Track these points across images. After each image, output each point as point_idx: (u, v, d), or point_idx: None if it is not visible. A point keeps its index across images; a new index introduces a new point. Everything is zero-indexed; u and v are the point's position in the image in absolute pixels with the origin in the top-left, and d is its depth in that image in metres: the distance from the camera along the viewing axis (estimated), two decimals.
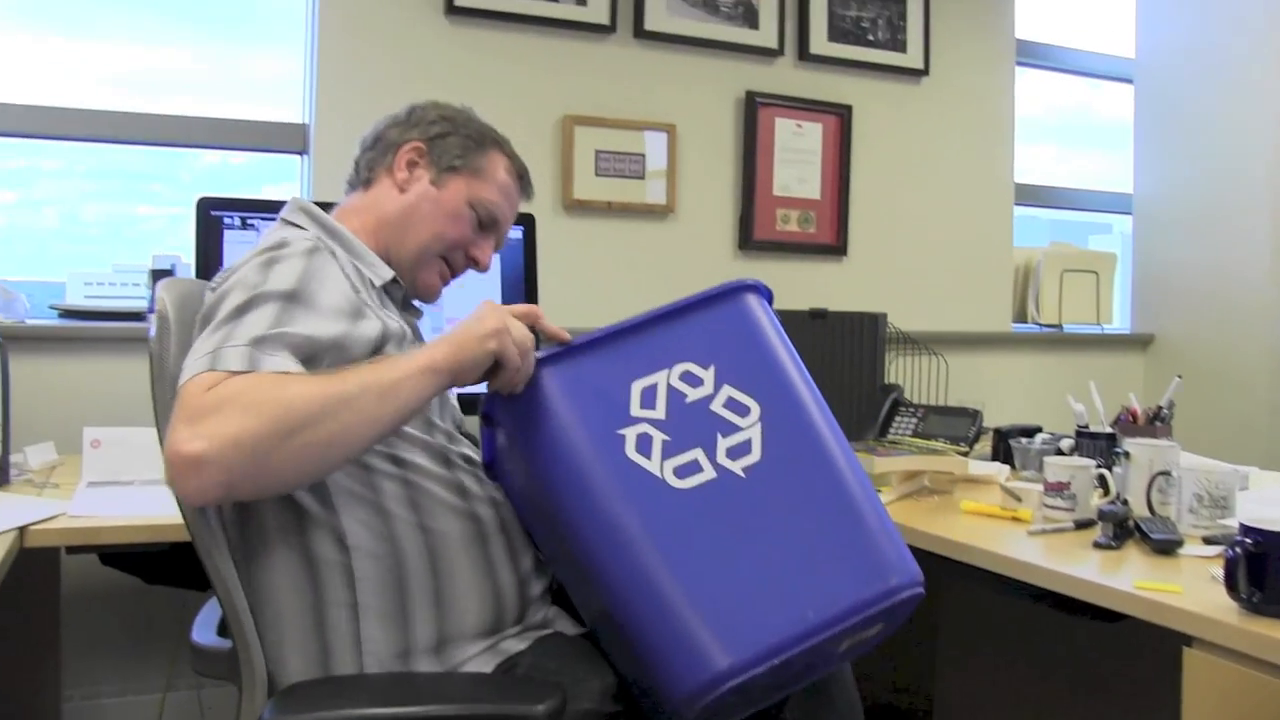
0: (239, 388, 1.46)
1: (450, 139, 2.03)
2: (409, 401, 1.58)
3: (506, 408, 1.67)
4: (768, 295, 1.82)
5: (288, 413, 1.46)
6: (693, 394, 1.66)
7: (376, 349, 1.70)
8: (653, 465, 1.60)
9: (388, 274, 1.93)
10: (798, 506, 1.64)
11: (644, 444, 1.61)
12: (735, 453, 1.64)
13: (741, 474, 1.63)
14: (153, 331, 1.74)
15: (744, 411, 1.67)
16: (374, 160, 2.05)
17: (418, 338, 2.00)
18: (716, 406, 1.67)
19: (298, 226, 1.91)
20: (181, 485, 1.44)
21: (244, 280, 1.66)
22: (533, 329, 1.70)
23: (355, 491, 1.73)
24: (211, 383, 1.46)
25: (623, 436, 1.61)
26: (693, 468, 1.62)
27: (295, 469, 1.52)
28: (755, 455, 1.64)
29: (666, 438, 1.62)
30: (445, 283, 2.05)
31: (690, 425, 1.64)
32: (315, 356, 1.60)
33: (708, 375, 1.68)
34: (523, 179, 2.12)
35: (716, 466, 1.62)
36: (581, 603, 1.85)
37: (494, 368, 1.65)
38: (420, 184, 2.00)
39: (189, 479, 1.41)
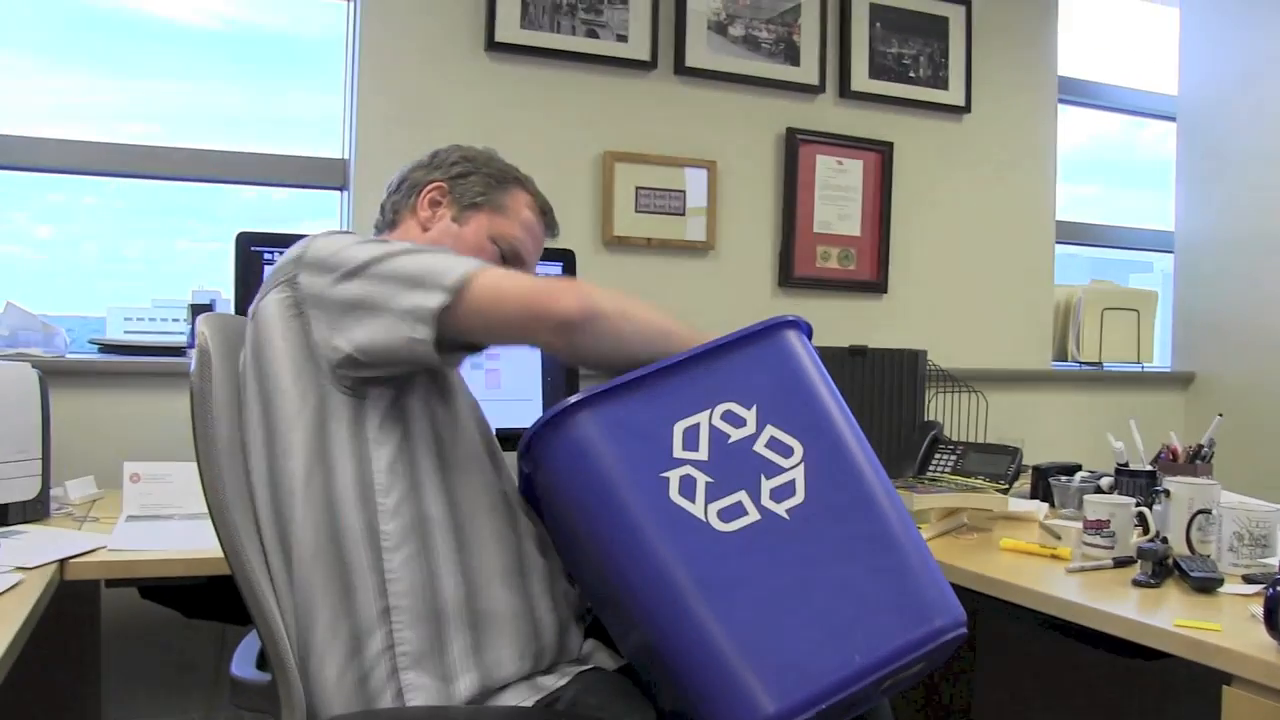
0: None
1: (472, 178, 2.07)
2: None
3: (547, 446, 1.66)
4: (808, 331, 1.80)
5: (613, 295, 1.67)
6: (735, 434, 1.64)
7: None
8: (697, 509, 1.58)
9: None
10: (841, 548, 1.62)
11: (687, 487, 1.59)
12: (779, 494, 1.62)
13: (785, 516, 1.61)
14: (193, 366, 1.74)
15: (787, 452, 1.65)
16: (399, 203, 2.10)
17: None
18: (760, 447, 1.64)
19: None
20: (564, 305, 1.61)
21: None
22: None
23: (399, 494, 1.74)
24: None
25: (666, 479, 1.59)
26: (737, 510, 1.59)
27: (630, 336, 1.68)
28: (799, 497, 1.62)
29: (710, 480, 1.60)
30: None
31: (733, 467, 1.62)
32: None
33: (750, 415, 1.66)
34: (546, 215, 2.15)
35: (760, 509, 1.60)
36: (620, 636, 1.84)
37: None
38: (443, 222, 2.04)
39: (569, 298, 1.62)
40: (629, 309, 1.67)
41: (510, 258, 2.05)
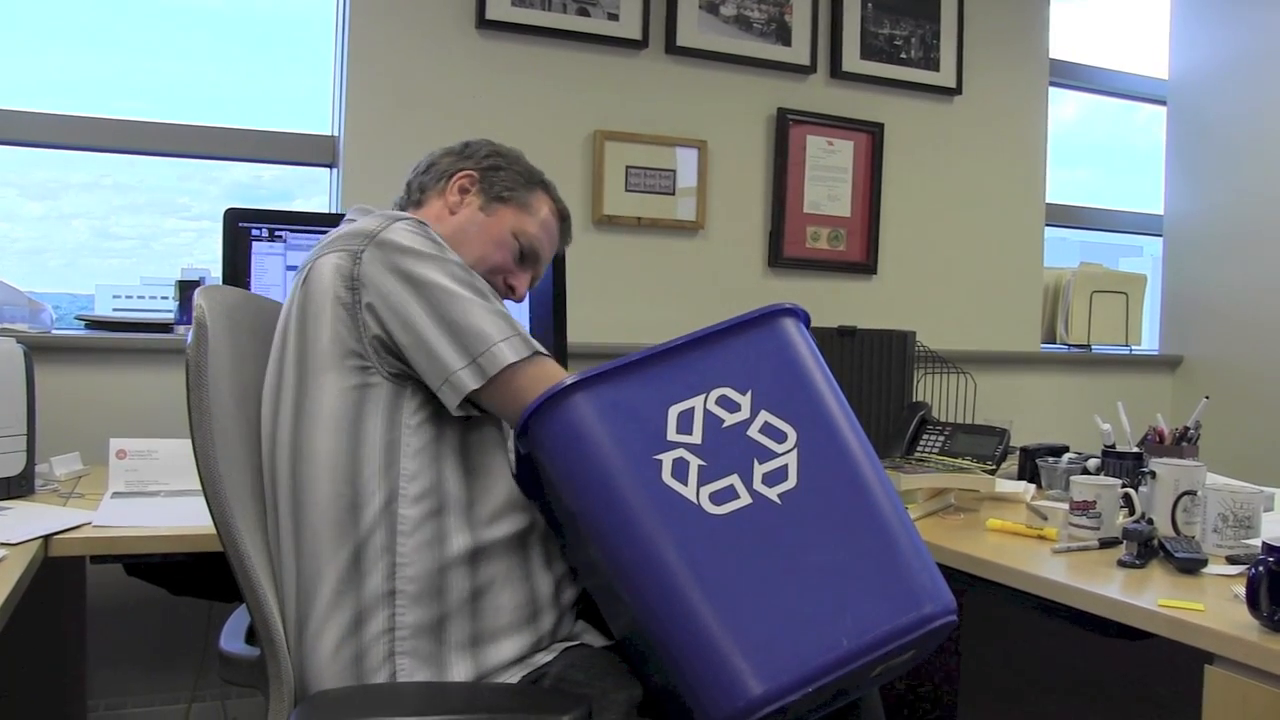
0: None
1: (503, 173, 2.13)
2: None
3: (542, 427, 1.66)
4: (805, 319, 1.80)
5: None
6: (730, 419, 1.65)
7: None
8: (689, 491, 1.59)
9: None
10: (833, 534, 1.63)
11: (680, 469, 1.60)
12: (772, 479, 1.63)
13: (778, 500, 1.61)
14: (190, 338, 1.73)
15: (781, 438, 1.66)
16: (426, 183, 2.15)
17: None
18: (754, 432, 1.65)
19: None
20: None
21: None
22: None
23: (423, 483, 1.75)
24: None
25: (659, 461, 1.59)
26: (729, 494, 1.60)
27: None
28: (792, 482, 1.63)
29: (703, 463, 1.61)
30: None
31: (727, 451, 1.63)
32: None
33: (745, 400, 1.67)
34: (564, 221, 2.23)
35: (753, 493, 1.61)
36: (611, 616, 1.85)
37: None
38: (470, 209, 2.09)
39: None
40: None
41: (528, 254, 2.12)
